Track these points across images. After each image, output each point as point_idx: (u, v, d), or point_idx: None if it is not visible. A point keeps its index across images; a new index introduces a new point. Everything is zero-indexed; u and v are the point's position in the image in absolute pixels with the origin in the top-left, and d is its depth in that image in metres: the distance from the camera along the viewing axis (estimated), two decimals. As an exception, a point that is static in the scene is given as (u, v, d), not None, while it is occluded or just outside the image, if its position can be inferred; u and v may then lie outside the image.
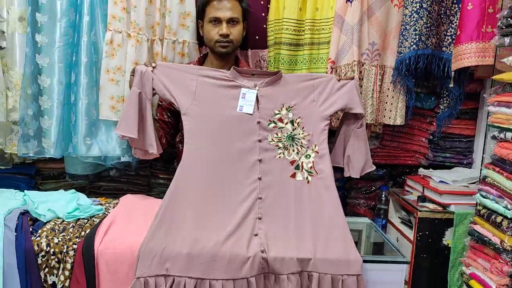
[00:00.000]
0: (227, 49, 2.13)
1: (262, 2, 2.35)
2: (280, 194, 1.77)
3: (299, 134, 1.87)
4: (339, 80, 1.93)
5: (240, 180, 1.76)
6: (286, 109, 1.89)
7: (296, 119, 1.88)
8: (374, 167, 2.04)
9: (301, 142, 1.87)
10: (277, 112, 1.88)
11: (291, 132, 1.87)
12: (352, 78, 1.94)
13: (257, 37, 2.38)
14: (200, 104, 1.82)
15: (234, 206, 1.72)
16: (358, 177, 2.00)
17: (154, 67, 1.84)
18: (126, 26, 2.12)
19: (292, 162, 1.84)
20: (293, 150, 1.85)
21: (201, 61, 2.23)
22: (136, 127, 1.80)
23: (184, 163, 1.76)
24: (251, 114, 1.83)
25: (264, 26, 2.37)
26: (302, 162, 1.85)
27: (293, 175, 1.82)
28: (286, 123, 1.88)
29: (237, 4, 2.12)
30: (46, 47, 2.04)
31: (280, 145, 1.85)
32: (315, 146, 1.87)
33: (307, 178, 1.82)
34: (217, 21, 2.09)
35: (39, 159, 2.33)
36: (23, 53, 2.04)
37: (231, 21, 2.10)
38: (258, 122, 1.84)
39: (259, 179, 1.77)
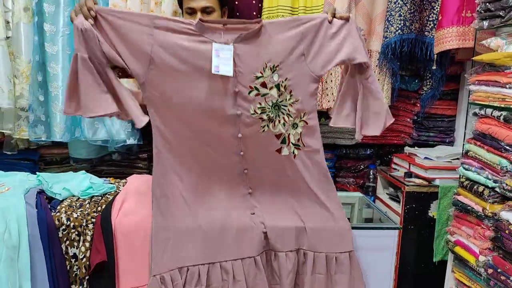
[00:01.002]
0: None
1: (255, -9, 2.45)
2: (266, 169, 1.66)
3: (286, 100, 1.57)
4: (330, 22, 1.53)
5: (221, 162, 1.62)
6: (270, 69, 1.53)
7: (283, 82, 1.55)
8: (393, 119, 1.70)
9: (288, 110, 1.58)
10: (259, 74, 1.53)
11: (277, 99, 1.56)
12: (348, 18, 1.56)
13: None
14: (159, 69, 1.46)
15: (221, 186, 1.66)
16: (379, 134, 1.67)
17: (94, 18, 1.39)
18: None
19: (278, 136, 1.60)
20: (279, 122, 1.59)
21: None
22: (108, 100, 1.45)
23: (158, 147, 1.54)
24: (230, 76, 1.49)
25: (254, 13, 2.46)
26: (289, 134, 1.61)
27: (279, 150, 1.62)
28: (271, 88, 1.55)
29: None
30: (54, 36, 2.13)
31: (264, 116, 1.57)
32: (303, 115, 1.60)
33: (293, 152, 1.64)
34: (192, 11, 2.04)
35: (43, 145, 2.41)
36: (28, 42, 2.14)
37: (205, 11, 2.03)
38: (236, 92, 1.52)
39: (241, 155, 1.62)
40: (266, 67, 1.52)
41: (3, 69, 2.06)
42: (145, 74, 1.45)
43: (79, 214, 1.62)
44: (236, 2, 2.44)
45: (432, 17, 2.49)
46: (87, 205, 1.70)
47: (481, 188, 1.97)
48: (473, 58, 2.13)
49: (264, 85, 1.54)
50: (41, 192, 1.76)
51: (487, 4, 2.00)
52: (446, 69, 2.60)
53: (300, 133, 1.62)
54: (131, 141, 2.25)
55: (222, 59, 1.46)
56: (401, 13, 2.39)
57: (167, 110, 1.51)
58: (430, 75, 2.63)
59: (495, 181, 1.88)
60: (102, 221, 1.60)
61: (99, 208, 1.67)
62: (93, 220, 1.61)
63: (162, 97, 1.49)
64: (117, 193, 1.81)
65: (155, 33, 1.44)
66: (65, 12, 2.15)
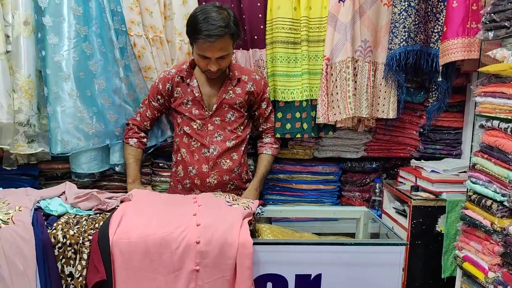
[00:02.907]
0: (215, 76, 2.19)
1: (259, 4, 2.44)
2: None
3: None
4: None
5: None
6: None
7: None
8: None
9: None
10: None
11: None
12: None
13: (255, 37, 2.47)
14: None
15: None
16: None
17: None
18: (143, 30, 2.28)
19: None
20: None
21: (192, 64, 2.28)
22: None
23: None
24: None
25: (262, 26, 2.46)
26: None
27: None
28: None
29: (227, 39, 2.05)
30: (60, 50, 2.17)
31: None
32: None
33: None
34: (206, 57, 2.08)
35: (43, 160, 2.39)
36: (28, 56, 2.13)
37: (220, 57, 2.09)
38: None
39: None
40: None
41: (2, 84, 2.04)
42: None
43: (75, 231, 1.59)
44: (244, 16, 2.43)
45: (437, 28, 2.46)
46: (84, 222, 1.66)
47: (489, 202, 1.92)
48: (479, 70, 2.10)
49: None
50: (37, 209, 1.73)
51: (492, 15, 1.98)
52: (452, 81, 2.56)
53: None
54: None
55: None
56: (406, 25, 2.36)
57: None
58: (435, 87, 2.59)
59: (503, 195, 1.84)
60: (100, 239, 1.57)
61: (96, 225, 1.64)
62: (90, 237, 1.58)
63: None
64: (115, 209, 1.78)
65: None
66: (71, 25, 2.17)
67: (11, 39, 2.11)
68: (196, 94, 2.24)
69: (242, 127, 2.33)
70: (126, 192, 2.09)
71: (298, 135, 2.50)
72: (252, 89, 2.30)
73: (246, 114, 2.34)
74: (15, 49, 2.11)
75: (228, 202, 1.91)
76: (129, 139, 2.33)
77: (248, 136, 2.38)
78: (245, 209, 1.82)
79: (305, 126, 2.49)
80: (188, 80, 2.26)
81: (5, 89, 2.06)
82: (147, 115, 2.35)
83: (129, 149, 2.34)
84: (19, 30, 2.10)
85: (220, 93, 2.25)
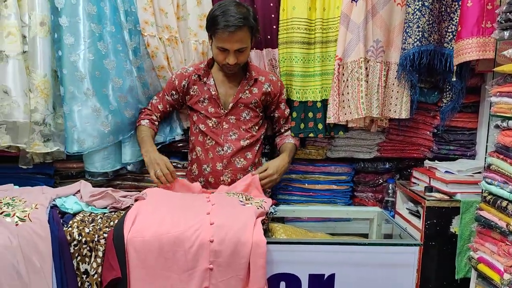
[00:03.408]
0: (233, 71, 2.22)
1: (271, 4, 2.44)
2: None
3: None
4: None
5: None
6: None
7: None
8: None
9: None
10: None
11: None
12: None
13: (268, 37, 2.48)
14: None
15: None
16: None
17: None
18: (157, 30, 2.31)
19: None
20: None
21: (210, 64, 2.32)
22: None
23: None
24: None
25: (274, 26, 2.46)
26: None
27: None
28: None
29: (245, 31, 2.09)
30: (77, 50, 2.19)
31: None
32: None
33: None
34: (225, 49, 2.11)
35: (58, 159, 2.42)
36: (44, 56, 2.16)
37: (238, 50, 2.12)
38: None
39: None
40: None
41: (19, 84, 2.08)
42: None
43: (91, 229, 1.61)
44: (257, 16, 2.44)
45: (451, 28, 2.45)
46: (99, 220, 1.68)
47: (504, 203, 1.90)
48: (494, 69, 2.08)
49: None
50: (53, 207, 1.75)
51: (508, 14, 1.96)
52: (466, 81, 2.54)
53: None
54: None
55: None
56: (419, 25, 2.35)
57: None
58: (449, 87, 2.57)
59: (519, 196, 1.82)
60: (115, 236, 1.58)
61: (111, 223, 1.65)
62: (105, 235, 1.59)
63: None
64: (130, 207, 1.79)
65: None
66: (85, 27, 2.19)
67: (27, 40, 2.14)
68: (213, 92, 2.26)
69: (257, 127, 2.34)
70: (140, 191, 2.11)
71: (312, 134, 2.51)
72: (269, 90, 2.31)
73: (261, 114, 2.36)
74: (31, 49, 2.14)
75: (241, 201, 1.91)
76: (141, 121, 2.35)
77: (262, 137, 2.39)
78: (258, 208, 1.82)
79: (319, 126, 2.50)
80: (205, 79, 2.28)
81: (21, 88, 2.09)
82: (159, 107, 2.38)
83: (141, 128, 2.34)
84: (36, 31, 2.13)
85: (236, 92, 2.27)
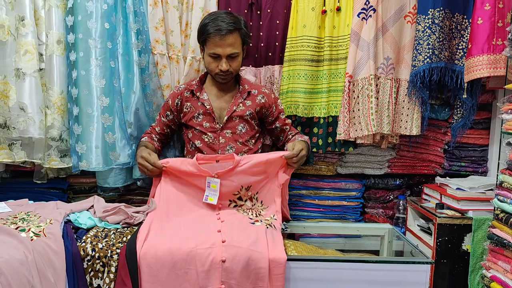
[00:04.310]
0: (226, 80, 2.23)
1: (278, 22, 2.48)
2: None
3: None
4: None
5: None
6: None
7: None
8: None
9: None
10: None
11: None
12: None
13: (270, 54, 2.51)
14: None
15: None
16: None
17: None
18: (166, 48, 2.32)
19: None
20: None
21: (202, 80, 2.34)
22: None
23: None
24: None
25: (277, 43, 2.49)
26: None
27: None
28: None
29: (237, 36, 2.13)
30: (91, 68, 2.24)
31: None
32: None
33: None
34: (217, 56, 2.13)
35: (71, 174, 2.45)
36: (60, 73, 2.22)
37: (230, 56, 2.13)
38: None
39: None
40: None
41: (35, 100, 2.12)
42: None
43: (104, 245, 1.63)
44: (262, 33, 2.48)
45: (462, 45, 2.46)
46: (112, 236, 1.70)
47: (517, 221, 1.89)
48: (506, 87, 2.08)
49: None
50: (67, 222, 1.78)
51: (519, 32, 1.96)
52: (477, 98, 2.54)
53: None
54: None
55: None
56: (430, 42, 2.36)
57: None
58: (460, 104, 2.57)
59: (532, 214, 1.81)
60: (128, 252, 1.60)
61: (124, 239, 1.67)
62: (118, 251, 1.61)
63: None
64: (142, 223, 1.81)
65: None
66: (99, 45, 2.24)
67: (44, 58, 2.20)
68: (207, 107, 2.26)
69: (253, 140, 2.33)
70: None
71: (315, 149, 2.54)
72: (263, 101, 2.31)
73: (257, 128, 2.35)
74: (48, 66, 2.20)
75: (251, 219, 1.92)
76: (141, 139, 2.36)
77: (260, 150, 2.38)
78: (267, 227, 1.83)
79: (320, 142, 2.53)
80: (198, 94, 2.29)
81: (37, 105, 2.13)
82: (157, 130, 2.38)
83: (139, 143, 2.34)
84: (53, 49, 2.19)
85: (230, 106, 2.28)
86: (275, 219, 1.98)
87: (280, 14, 2.48)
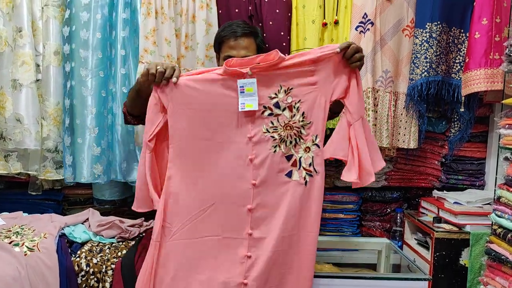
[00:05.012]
0: None
1: (282, 33, 2.47)
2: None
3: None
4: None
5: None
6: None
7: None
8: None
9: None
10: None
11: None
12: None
13: None
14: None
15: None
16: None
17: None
18: (158, 58, 2.27)
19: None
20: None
21: None
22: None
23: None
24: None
25: (286, 55, 2.47)
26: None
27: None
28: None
29: (252, 41, 2.06)
30: (87, 80, 2.20)
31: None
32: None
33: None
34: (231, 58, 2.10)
35: (67, 186, 2.43)
36: (57, 84, 2.21)
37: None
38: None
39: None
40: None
41: (31, 112, 2.11)
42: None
43: (98, 260, 1.61)
44: (267, 45, 2.47)
45: (459, 59, 2.46)
46: (107, 250, 1.68)
47: (515, 237, 1.88)
48: (503, 102, 2.08)
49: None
50: (62, 236, 1.76)
51: (516, 47, 1.96)
52: (474, 111, 2.54)
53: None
54: None
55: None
56: (427, 55, 2.37)
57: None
58: (458, 117, 2.57)
59: (530, 230, 1.80)
60: (123, 267, 1.58)
61: (119, 254, 1.66)
62: (113, 266, 1.59)
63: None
64: (140, 238, 1.79)
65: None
66: (95, 56, 2.22)
67: (41, 68, 2.19)
68: None
69: None
70: (145, 218, 2.11)
71: None
72: None
73: None
74: (45, 77, 2.19)
75: (287, 158, 1.65)
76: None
77: None
78: (305, 181, 1.64)
79: None
80: None
81: (34, 116, 2.12)
82: None
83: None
84: (50, 60, 2.18)
85: None
86: (318, 145, 1.63)
87: (283, 25, 2.47)
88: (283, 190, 1.60)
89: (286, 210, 1.59)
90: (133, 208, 1.60)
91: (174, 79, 1.53)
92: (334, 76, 1.59)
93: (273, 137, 1.59)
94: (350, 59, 1.57)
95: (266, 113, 1.60)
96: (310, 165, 1.61)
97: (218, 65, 2.18)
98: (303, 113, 1.60)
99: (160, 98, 1.55)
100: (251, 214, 1.58)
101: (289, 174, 1.61)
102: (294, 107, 1.60)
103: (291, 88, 1.60)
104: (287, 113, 1.60)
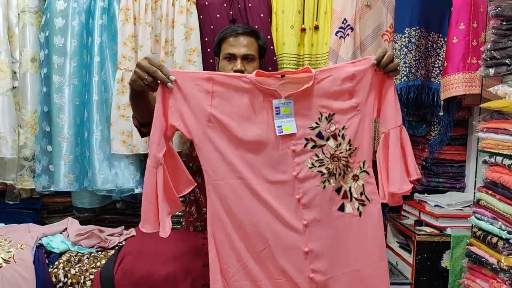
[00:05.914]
0: None
1: (269, 37, 2.45)
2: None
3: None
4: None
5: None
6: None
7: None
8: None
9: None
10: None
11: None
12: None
13: (270, 69, 2.46)
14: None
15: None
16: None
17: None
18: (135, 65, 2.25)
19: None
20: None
21: None
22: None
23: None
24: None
25: (274, 58, 2.47)
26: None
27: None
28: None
29: (253, 41, 2.00)
30: (62, 87, 2.17)
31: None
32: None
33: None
34: (232, 57, 1.96)
35: (45, 194, 2.39)
36: (34, 92, 2.17)
37: (246, 58, 1.96)
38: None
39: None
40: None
41: (8, 120, 2.07)
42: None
43: (77, 270, 1.58)
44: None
45: (438, 63, 2.49)
46: (86, 260, 1.66)
47: (494, 239, 1.89)
48: (481, 106, 2.10)
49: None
50: (39, 246, 1.72)
51: (493, 52, 1.99)
52: (453, 115, 2.57)
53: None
54: (139, 189, 2.22)
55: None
56: (406, 60, 2.39)
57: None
58: (437, 121, 2.60)
59: (509, 232, 1.81)
60: (103, 278, 1.56)
61: (98, 264, 1.63)
62: (91, 276, 1.57)
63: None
64: (120, 247, 1.77)
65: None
66: (74, 64, 2.19)
67: (17, 76, 2.15)
68: None
69: None
70: (126, 226, 2.08)
71: None
72: None
73: None
74: (22, 85, 2.16)
75: (337, 191, 1.52)
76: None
77: None
78: (359, 212, 1.50)
79: None
80: None
81: (10, 124, 2.08)
82: None
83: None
84: (27, 67, 2.15)
85: None
86: (366, 171, 1.48)
87: (269, 29, 2.45)
88: (337, 226, 1.46)
89: (343, 247, 1.47)
90: (140, 228, 1.40)
91: (169, 85, 1.36)
92: (373, 91, 1.46)
93: (320, 171, 1.44)
94: (387, 68, 1.44)
95: (309, 146, 1.43)
96: (361, 194, 1.47)
97: (217, 69, 2.10)
98: (349, 141, 1.45)
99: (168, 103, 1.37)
100: (308, 257, 1.44)
101: (342, 208, 1.46)
102: (339, 135, 1.45)
103: (333, 114, 1.44)
104: (331, 142, 1.44)
